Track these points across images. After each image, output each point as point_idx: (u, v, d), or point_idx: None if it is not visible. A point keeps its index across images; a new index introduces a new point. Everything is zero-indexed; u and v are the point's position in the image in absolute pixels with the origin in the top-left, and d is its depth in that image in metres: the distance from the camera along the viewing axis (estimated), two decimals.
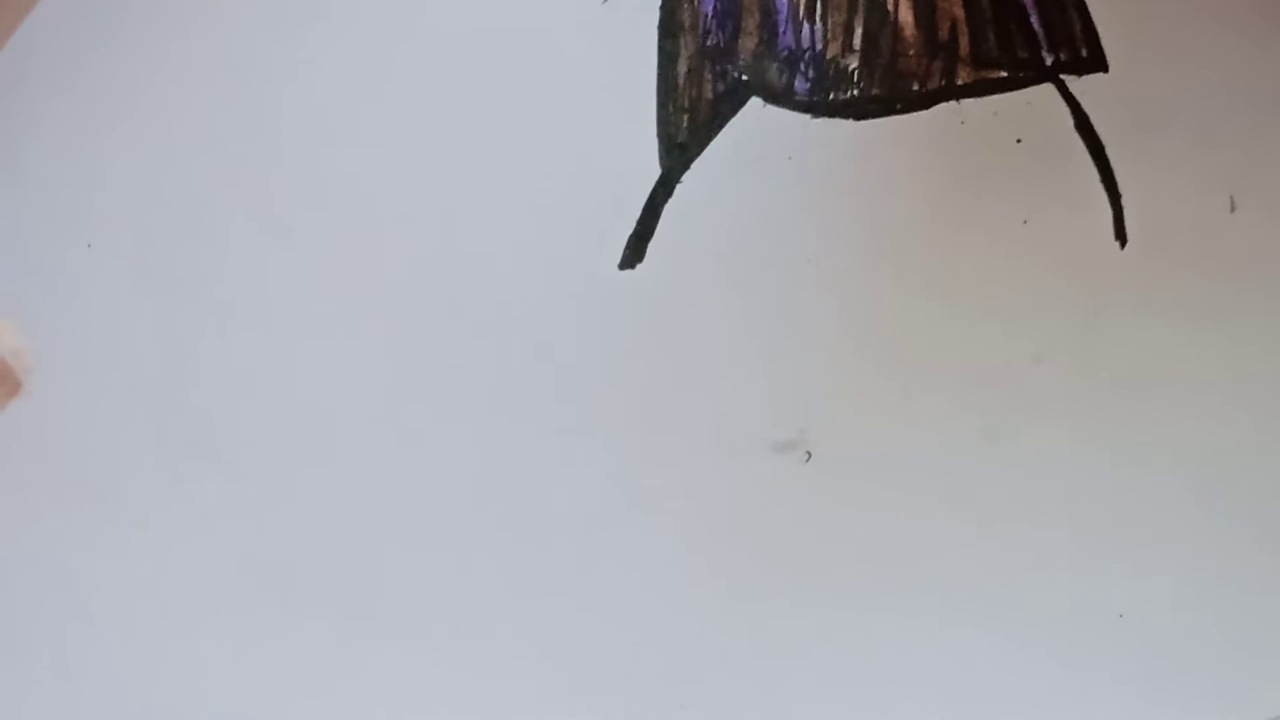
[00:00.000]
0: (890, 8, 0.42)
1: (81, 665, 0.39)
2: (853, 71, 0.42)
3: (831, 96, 0.42)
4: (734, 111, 0.41)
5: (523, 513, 0.40)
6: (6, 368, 0.33)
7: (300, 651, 0.40)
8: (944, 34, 0.42)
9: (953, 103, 0.42)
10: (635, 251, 0.41)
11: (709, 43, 0.41)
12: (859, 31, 0.42)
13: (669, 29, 0.41)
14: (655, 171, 0.41)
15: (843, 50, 0.42)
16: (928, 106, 0.42)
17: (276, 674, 0.39)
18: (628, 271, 0.41)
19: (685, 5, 0.41)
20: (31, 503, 0.38)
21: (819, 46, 0.42)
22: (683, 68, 0.41)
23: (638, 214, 0.41)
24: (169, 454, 0.39)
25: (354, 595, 0.40)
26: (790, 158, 0.42)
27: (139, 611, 0.39)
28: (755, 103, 0.41)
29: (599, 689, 0.41)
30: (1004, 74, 0.42)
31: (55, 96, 0.39)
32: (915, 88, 0.42)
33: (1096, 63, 0.43)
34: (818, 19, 0.42)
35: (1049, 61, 0.43)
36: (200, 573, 0.39)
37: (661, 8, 0.41)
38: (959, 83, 0.42)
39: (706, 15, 0.41)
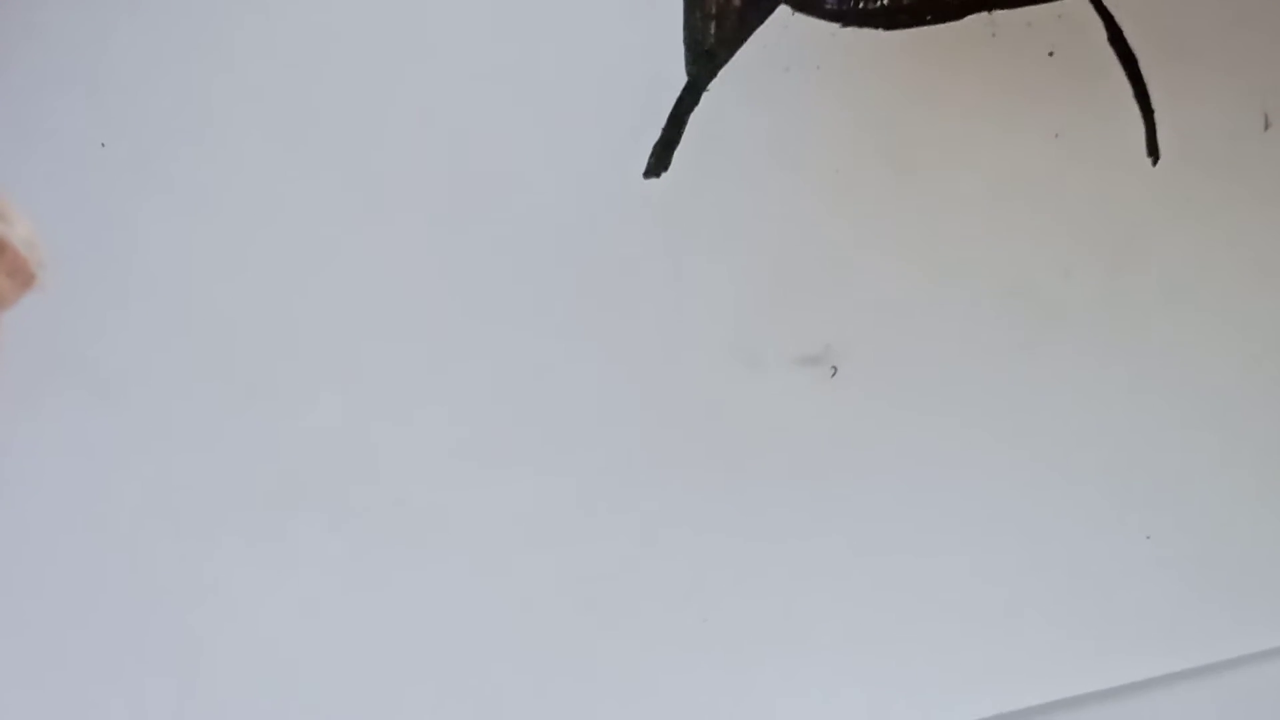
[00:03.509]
0: None
1: (89, 574, 0.38)
2: None
3: (861, 5, 0.41)
4: (762, 19, 0.41)
5: (542, 424, 0.40)
6: (21, 259, 0.32)
7: (313, 563, 0.39)
8: None
9: (984, 14, 0.41)
10: (661, 160, 0.40)
11: None
12: None
13: None
14: (682, 79, 0.40)
15: None
16: (959, 17, 0.41)
17: (290, 586, 0.39)
18: (653, 180, 0.40)
19: None
20: (40, 401, 0.37)
21: None
22: None
23: (664, 121, 0.40)
24: (180, 357, 0.38)
25: (372, 508, 0.39)
26: (818, 67, 0.41)
27: (148, 516, 0.38)
28: (784, 10, 0.41)
29: (620, 605, 0.40)
30: None
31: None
32: None
33: None
34: None
35: None
36: (212, 480, 0.38)
37: None
38: None
39: None
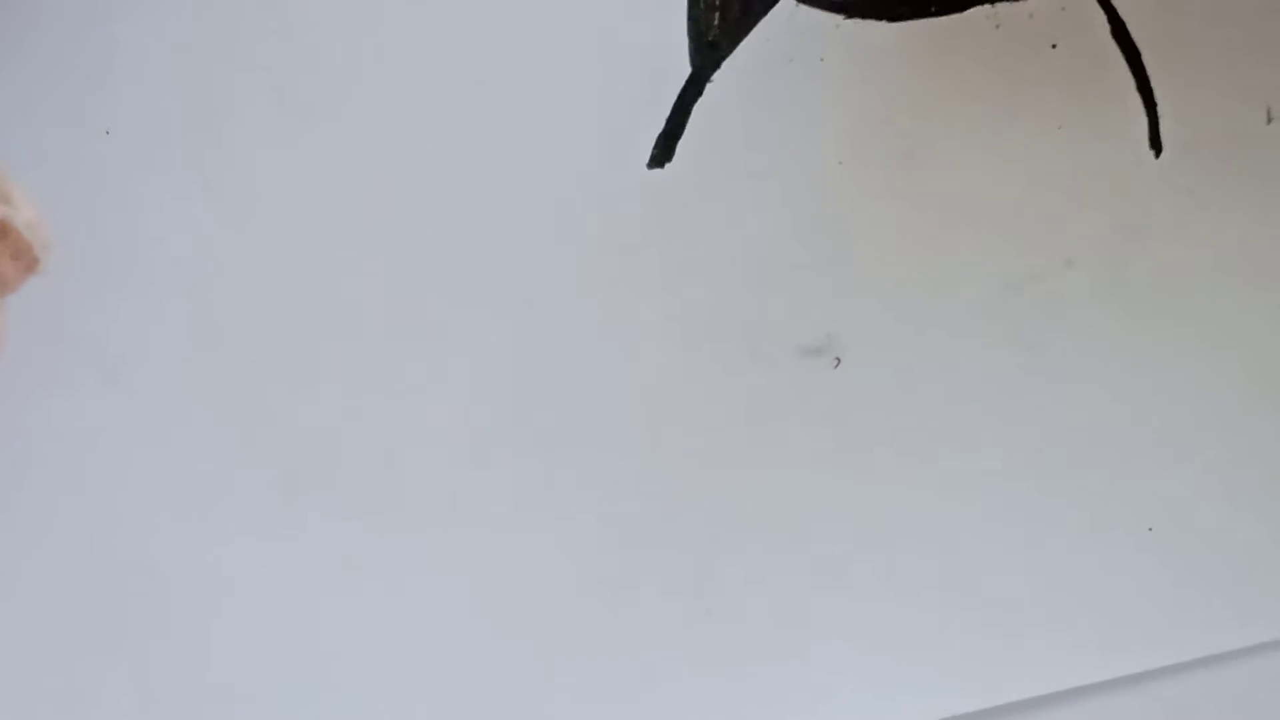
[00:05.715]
0: None
1: (92, 558, 0.38)
2: None
3: None
4: (766, 10, 0.41)
5: (541, 413, 0.40)
6: (24, 242, 0.32)
7: (318, 548, 0.39)
8: None
9: (987, 6, 0.41)
10: (664, 150, 0.40)
11: None
12: None
13: None
14: (685, 69, 0.40)
15: None
16: (961, 9, 0.41)
17: (295, 571, 0.39)
18: (656, 171, 0.40)
19: None
20: (44, 384, 0.37)
21: None
22: None
23: (667, 112, 0.40)
24: (186, 341, 0.38)
25: (374, 492, 0.39)
26: (822, 58, 0.41)
27: (152, 500, 0.38)
28: (787, 1, 0.41)
29: (622, 597, 0.40)
30: None
31: None
32: None
33: None
34: None
35: None
36: (215, 465, 0.38)
37: None
38: None
39: None
